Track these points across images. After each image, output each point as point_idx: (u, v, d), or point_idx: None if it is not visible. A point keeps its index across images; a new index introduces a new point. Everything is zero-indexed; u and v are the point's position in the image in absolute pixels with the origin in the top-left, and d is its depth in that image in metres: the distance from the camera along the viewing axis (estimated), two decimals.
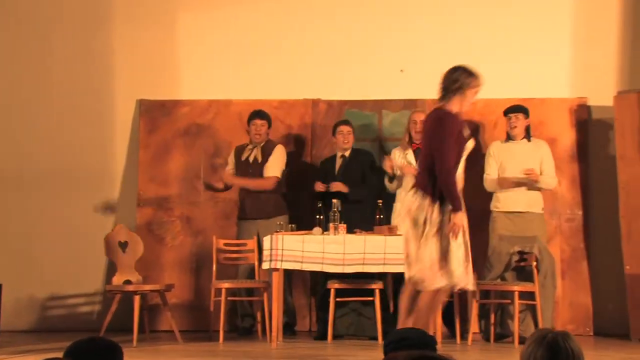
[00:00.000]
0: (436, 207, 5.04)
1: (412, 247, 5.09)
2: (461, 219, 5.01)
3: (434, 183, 5.06)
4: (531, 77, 7.29)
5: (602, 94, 7.15)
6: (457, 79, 5.16)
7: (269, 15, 7.47)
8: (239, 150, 7.00)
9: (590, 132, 7.25)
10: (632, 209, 6.87)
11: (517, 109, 6.81)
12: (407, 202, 5.18)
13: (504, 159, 6.77)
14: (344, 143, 6.85)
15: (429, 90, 7.25)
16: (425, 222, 5.05)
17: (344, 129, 6.87)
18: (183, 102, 7.43)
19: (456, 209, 5.01)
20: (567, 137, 7.21)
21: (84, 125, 7.43)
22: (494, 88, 7.22)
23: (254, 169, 6.91)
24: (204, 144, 7.36)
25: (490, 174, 6.80)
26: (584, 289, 7.10)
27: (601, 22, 7.24)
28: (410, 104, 7.30)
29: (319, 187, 6.79)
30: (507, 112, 6.84)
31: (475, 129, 7.28)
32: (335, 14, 7.44)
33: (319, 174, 6.99)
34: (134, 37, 7.46)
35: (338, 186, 6.71)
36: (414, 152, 6.75)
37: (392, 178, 6.69)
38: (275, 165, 6.88)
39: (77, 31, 7.47)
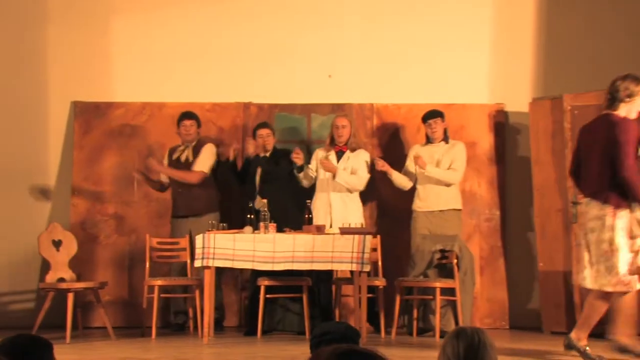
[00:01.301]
0: (621, 212, 5.01)
1: (586, 254, 5.10)
2: None
3: (613, 189, 5.03)
4: (453, 84, 7.41)
5: (518, 101, 7.30)
6: (627, 87, 5.15)
7: (202, 20, 7.44)
8: (172, 151, 6.99)
9: (507, 136, 7.40)
10: (546, 209, 7.02)
11: (434, 114, 6.88)
12: (583, 210, 5.15)
13: (427, 160, 6.85)
14: (266, 144, 6.85)
15: (355, 94, 7.39)
16: (611, 229, 5.01)
17: (264, 132, 6.87)
18: (117, 104, 7.35)
19: None
20: (486, 141, 7.34)
21: (19, 126, 7.30)
22: (418, 94, 7.36)
23: (185, 168, 6.88)
24: (137, 145, 7.30)
25: (405, 173, 6.91)
26: (501, 285, 7.24)
27: (518, 34, 7.40)
28: (337, 108, 7.35)
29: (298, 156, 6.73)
30: (425, 119, 6.89)
31: (400, 133, 7.38)
32: (267, 21, 7.45)
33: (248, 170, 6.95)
34: (69, 40, 7.34)
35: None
36: (337, 153, 6.82)
37: (299, 169, 6.75)
38: (203, 161, 6.87)
39: (12, 33, 7.32)
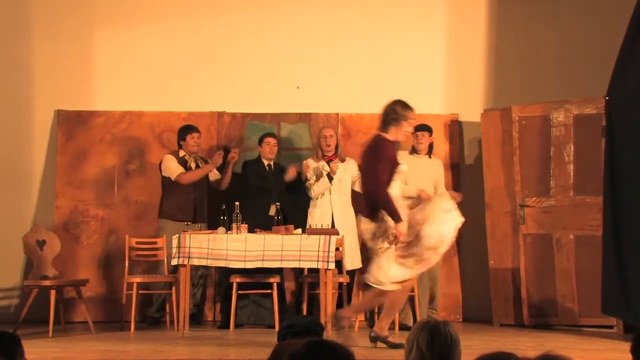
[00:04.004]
0: (378, 224, 5.16)
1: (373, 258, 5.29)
2: (403, 227, 5.12)
3: (370, 205, 5.15)
4: (411, 95, 7.37)
5: (471, 111, 7.39)
6: (395, 111, 5.22)
7: (179, 34, 7.44)
8: (179, 160, 6.81)
9: (461, 144, 7.49)
10: (496, 212, 7.12)
11: (423, 127, 6.89)
12: (359, 225, 5.33)
13: (409, 169, 6.88)
14: (270, 153, 6.88)
15: (321, 105, 7.44)
16: (375, 239, 5.19)
17: (271, 140, 6.90)
18: (98, 112, 7.32)
19: (396, 220, 5.12)
20: (442, 149, 7.42)
21: (4, 132, 7.23)
22: (380, 104, 7.40)
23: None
24: (117, 151, 7.27)
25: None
26: (455, 281, 7.33)
27: (470, 52, 7.49)
28: (305, 117, 7.40)
29: (292, 172, 6.80)
30: (415, 129, 6.94)
31: (364, 141, 7.43)
32: (239, 35, 7.47)
33: (251, 171, 6.92)
34: (53, 52, 7.30)
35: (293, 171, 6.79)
36: (327, 163, 6.82)
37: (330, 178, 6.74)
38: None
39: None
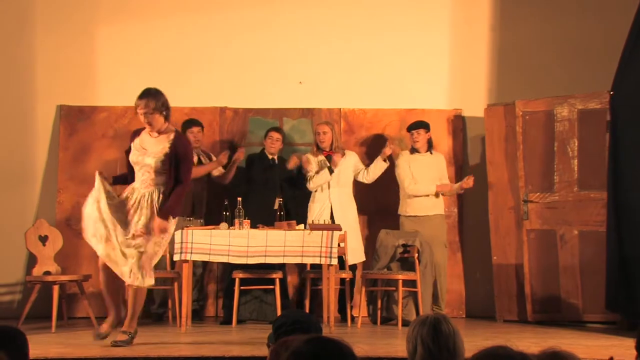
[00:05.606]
0: None
1: None
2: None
3: None
4: (415, 90, 7.46)
5: (474, 107, 7.37)
6: None
7: (181, 30, 7.43)
8: None
9: (464, 139, 7.47)
10: (499, 207, 7.10)
11: (418, 125, 6.89)
12: None
13: (413, 168, 6.86)
14: (271, 147, 6.90)
15: (324, 100, 7.43)
16: None
17: (274, 135, 6.92)
18: (101, 108, 7.31)
19: None
20: (445, 144, 7.40)
21: (6, 128, 7.23)
22: (383, 100, 7.41)
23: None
24: (120, 146, 7.25)
25: (409, 179, 6.82)
26: (458, 277, 7.31)
27: (474, 46, 7.46)
28: (307, 113, 7.39)
29: (295, 161, 6.84)
30: (410, 129, 6.90)
31: (367, 136, 7.42)
32: (242, 31, 7.45)
33: (256, 165, 6.94)
34: (56, 47, 7.29)
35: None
36: (326, 158, 6.82)
37: (331, 170, 6.76)
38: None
39: (2, 41, 7.25)
